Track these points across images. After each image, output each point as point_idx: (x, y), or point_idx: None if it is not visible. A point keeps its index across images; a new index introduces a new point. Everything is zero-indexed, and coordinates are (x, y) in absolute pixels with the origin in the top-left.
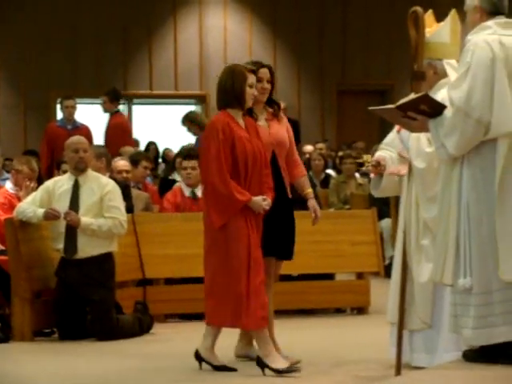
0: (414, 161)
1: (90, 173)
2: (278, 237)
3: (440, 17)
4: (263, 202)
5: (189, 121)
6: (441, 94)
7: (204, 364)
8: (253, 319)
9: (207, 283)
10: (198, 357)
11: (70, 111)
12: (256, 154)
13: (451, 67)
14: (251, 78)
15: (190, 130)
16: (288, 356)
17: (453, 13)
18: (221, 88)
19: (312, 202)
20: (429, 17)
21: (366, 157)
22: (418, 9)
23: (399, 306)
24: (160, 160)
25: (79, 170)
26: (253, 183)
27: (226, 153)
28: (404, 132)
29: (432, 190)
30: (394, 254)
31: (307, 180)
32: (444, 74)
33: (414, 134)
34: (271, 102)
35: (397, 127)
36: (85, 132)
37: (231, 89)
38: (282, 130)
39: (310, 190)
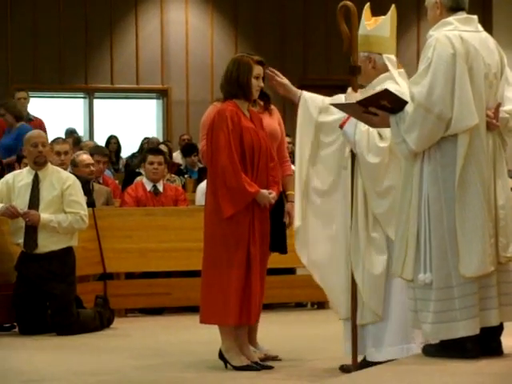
0: (365, 155)
1: (50, 167)
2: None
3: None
4: (269, 195)
5: (5, 108)
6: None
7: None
8: (235, 314)
9: (204, 279)
10: (221, 357)
11: (22, 103)
12: (262, 145)
13: (390, 61)
14: (257, 70)
15: (4, 117)
16: (268, 349)
17: (393, 8)
18: (226, 79)
19: (288, 206)
20: (366, 10)
21: None
22: (348, 3)
23: (351, 301)
24: (121, 154)
25: (39, 164)
26: (259, 176)
27: (236, 143)
28: (348, 127)
29: (381, 185)
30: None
31: (292, 180)
32: (383, 68)
33: (363, 129)
34: (261, 95)
35: (340, 122)
36: (38, 125)
37: (236, 80)
38: (273, 122)
39: (291, 193)
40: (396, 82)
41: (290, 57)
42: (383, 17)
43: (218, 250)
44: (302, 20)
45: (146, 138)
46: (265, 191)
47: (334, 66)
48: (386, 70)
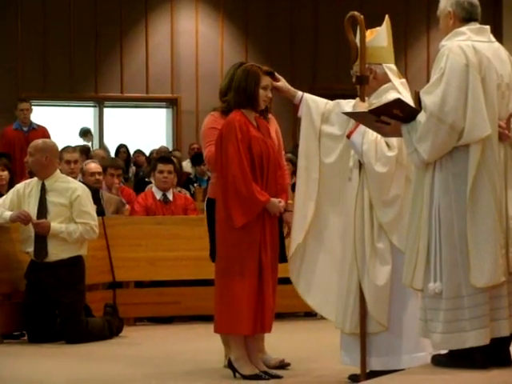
0: (373, 165)
1: (58, 176)
2: None
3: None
4: (279, 204)
5: None
6: (386, 99)
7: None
8: (249, 323)
9: (217, 288)
10: (230, 366)
11: (24, 114)
12: (270, 154)
13: (390, 71)
14: (265, 80)
15: None
16: (276, 358)
17: (386, 18)
18: (235, 88)
19: (287, 216)
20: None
21: None
22: (356, 13)
23: (360, 311)
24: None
25: (33, 174)
26: (269, 184)
27: (245, 152)
28: (356, 136)
29: (388, 194)
30: (336, 256)
31: (289, 189)
32: (384, 79)
33: (372, 139)
34: None
35: (347, 132)
36: (41, 133)
37: (244, 90)
38: (272, 131)
39: (289, 202)
40: (398, 92)
41: (300, 65)
42: (379, 28)
43: (230, 259)
44: (312, 29)
45: (122, 146)
46: (275, 200)
47: (344, 75)
48: (388, 80)
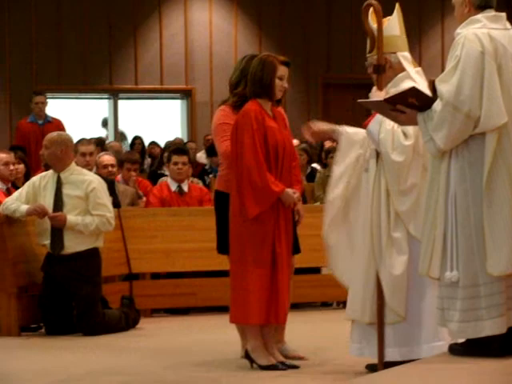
0: (390, 154)
1: (74, 168)
2: None
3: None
4: (293, 194)
5: None
6: (403, 88)
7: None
8: (262, 313)
9: (231, 279)
10: (247, 356)
11: (39, 107)
12: (286, 145)
13: (405, 59)
14: (281, 70)
15: None
16: (295, 350)
17: (397, 6)
18: (251, 78)
19: (297, 206)
20: (372, 14)
21: None
22: (373, 1)
23: (378, 301)
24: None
25: (48, 166)
26: (283, 175)
27: (261, 142)
28: (373, 125)
29: (405, 183)
30: (358, 247)
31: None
32: (399, 67)
33: (388, 128)
34: None
35: (365, 121)
36: (56, 126)
37: (260, 79)
38: None
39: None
40: (414, 81)
41: (314, 56)
42: (390, 17)
43: (244, 250)
44: (326, 19)
45: (137, 138)
46: (290, 190)
47: (358, 65)
48: (403, 68)
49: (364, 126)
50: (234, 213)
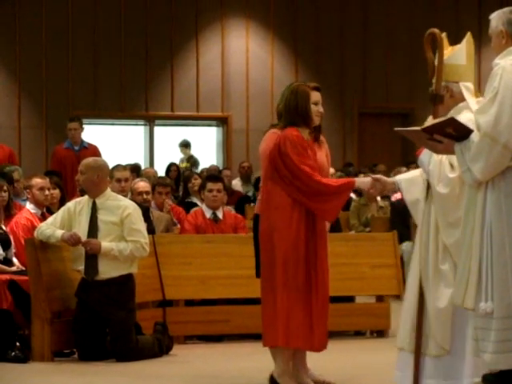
0: (436, 186)
1: (109, 194)
2: None
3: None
4: (365, 179)
5: None
6: (460, 119)
7: None
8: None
9: (264, 303)
10: (273, 381)
11: (72, 134)
12: (323, 171)
13: (467, 90)
14: (314, 96)
15: None
16: (320, 374)
17: (468, 36)
18: (286, 108)
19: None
20: (444, 40)
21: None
22: (436, 30)
23: (417, 332)
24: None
25: (84, 192)
26: None
27: (309, 158)
28: (424, 156)
29: (453, 215)
30: (408, 278)
31: None
32: (460, 97)
33: (437, 159)
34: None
35: (417, 151)
36: (92, 152)
37: (295, 108)
38: (322, 155)
39: None
40: (472, 111)
41: (350, 84)
42: (459, 45)
43: (277, 274)
44: (362, 47)
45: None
46: (360, 178)
47: (393, 94)
48: (463, 98)
49: (416, 156)
50: (265, 234)
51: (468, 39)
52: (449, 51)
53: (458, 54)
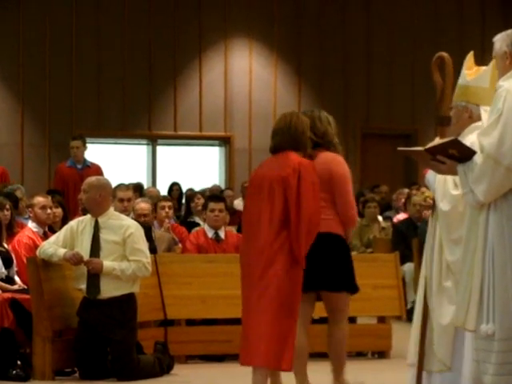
0: (439, 203)
1: (112, 213)
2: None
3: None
4: None
5: None
6: (469, 139)
7: None
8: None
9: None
10: None
11: (75, 152)
12: None
13: (486, 113)
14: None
15: None
16: None
17: (493, 61)
18: (288, 132)
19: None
20: (470, 59)
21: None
22: (444, 54)
23: (419, 348)
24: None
25: (86, 211)
26: None
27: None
28: (430, 174)
29: (456, 233)
30: (417, 297)
31: None
32: (478, 119)
33: (441, 177)
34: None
35: (424, 169)
36: (95, 171)
37: (301, 135)
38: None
39: None
40: None
41: (353, 105)
42: (485, 67)
43: (290, 299)
44: (365, 69)
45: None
46: None
47: (396, 115)
48: (480, 120)
49: (423, 175)
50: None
51: (493, 63)
52: (474, 71)
53: (483, 77)
